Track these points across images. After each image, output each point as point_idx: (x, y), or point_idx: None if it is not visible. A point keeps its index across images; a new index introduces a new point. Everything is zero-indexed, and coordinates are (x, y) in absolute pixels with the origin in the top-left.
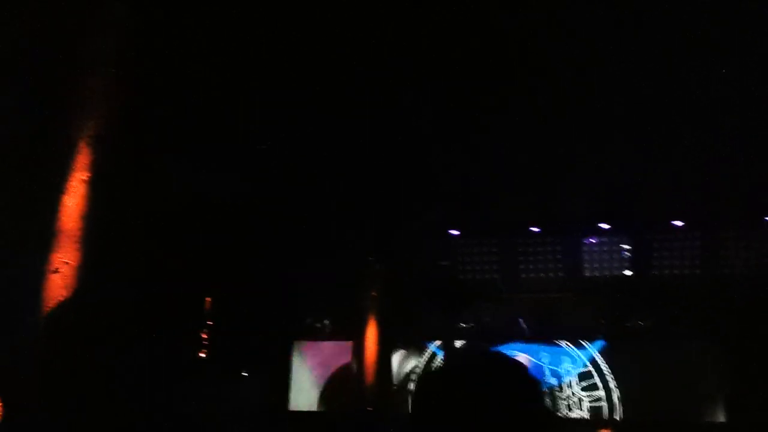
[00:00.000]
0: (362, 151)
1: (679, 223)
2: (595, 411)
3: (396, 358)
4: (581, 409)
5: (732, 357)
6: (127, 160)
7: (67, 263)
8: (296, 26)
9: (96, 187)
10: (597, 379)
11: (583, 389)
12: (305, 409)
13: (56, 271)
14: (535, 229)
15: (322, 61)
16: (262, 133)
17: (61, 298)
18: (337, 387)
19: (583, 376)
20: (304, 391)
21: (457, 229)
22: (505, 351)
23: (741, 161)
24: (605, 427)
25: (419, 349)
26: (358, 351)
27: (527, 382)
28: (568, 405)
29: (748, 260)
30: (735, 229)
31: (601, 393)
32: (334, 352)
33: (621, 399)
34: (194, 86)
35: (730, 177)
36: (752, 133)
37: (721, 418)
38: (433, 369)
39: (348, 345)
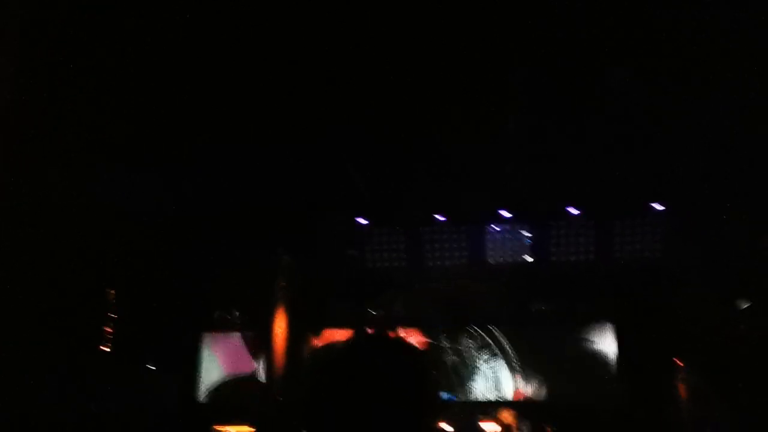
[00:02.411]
0: (269, 143)
1: (575, 211)
2: (499, 386)
3: (305, 348)
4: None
5: (626, 339)
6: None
7: None
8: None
9: None
10: (502, 358)
11: (489, 367)
12: (215, 400)
13: None
14: (441, 218)
15: (217, 60)
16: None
17: None
18: (247, 378)
19: (488, 354)
20: (214, 383)
21: (364, 219)
22: (411, 336)
23: (632, 152)
24: (510, 404)
25: (329, 339)
26: (268, 342)
27: (417, 368)
28: (475, 382)
29: (638, 245)
30: (627, 217)
31: (506, 369)
32: (244, 344)
33: (524, 379)
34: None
35: (622, 167)
36: (642, 126)
37: (619, 397)
38: (329, 356)
39: (258, 336)
